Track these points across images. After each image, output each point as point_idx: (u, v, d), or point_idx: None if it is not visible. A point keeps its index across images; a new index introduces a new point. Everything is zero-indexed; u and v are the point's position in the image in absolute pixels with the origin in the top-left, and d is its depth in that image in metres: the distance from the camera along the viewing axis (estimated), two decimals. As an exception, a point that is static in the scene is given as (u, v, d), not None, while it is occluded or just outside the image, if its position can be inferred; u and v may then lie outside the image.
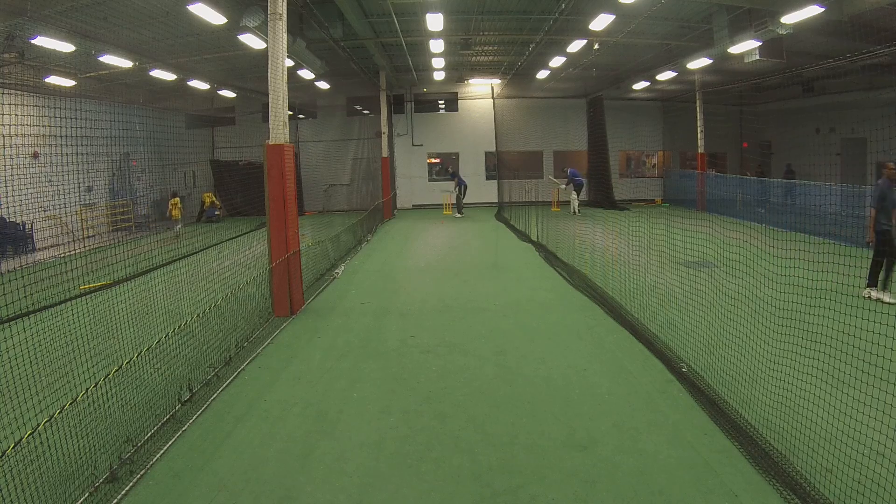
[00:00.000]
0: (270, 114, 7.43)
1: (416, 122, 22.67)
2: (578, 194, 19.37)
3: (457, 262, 11.31)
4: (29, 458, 3.38)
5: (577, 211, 18.89)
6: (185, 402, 4.69)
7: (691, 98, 20.16)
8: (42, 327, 6.17)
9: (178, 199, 15.76)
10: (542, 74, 18.95)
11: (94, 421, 3.86)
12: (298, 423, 4.39)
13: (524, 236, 14.31)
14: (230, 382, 5.25)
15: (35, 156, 11.71)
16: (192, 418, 4.48)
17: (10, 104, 9.60)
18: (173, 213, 15.48)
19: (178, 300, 7.52)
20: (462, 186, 19.46)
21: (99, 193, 15.28)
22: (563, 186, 19.39)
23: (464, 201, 19.88)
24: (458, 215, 19.34)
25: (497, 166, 22.47)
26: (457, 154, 22.89)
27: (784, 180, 17.04)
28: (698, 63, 14.69)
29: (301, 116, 22.45)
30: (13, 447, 3.20)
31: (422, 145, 22.75)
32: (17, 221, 12.46)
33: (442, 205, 21.23)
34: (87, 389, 3.90)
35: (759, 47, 11.95)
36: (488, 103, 22.35)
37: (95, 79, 14.54)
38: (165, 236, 14.25)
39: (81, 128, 5.94)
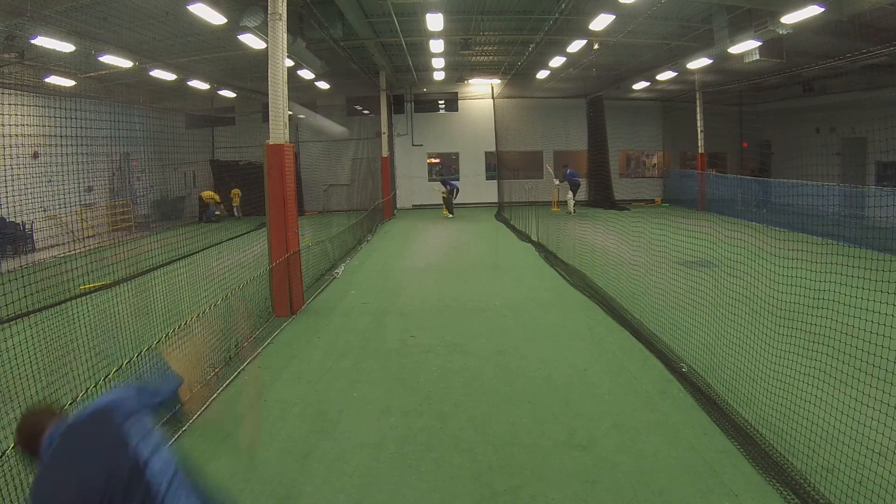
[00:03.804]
0: (270, 114, 7.42)
1: (416, 122, 22.67)
2: (575, 194, 19.39)
3: (457, 262, 11.31)
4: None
5: (573, 211, 18.93)
6: (186, 402, 4.68)
7: (691, 98, 20.16)
8: (42, 327, 6.17)
9: (237, 190, 19.99)
10: (542, 74, 18.94)
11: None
12: (298, 423, 4.39)
13: (524, 236, 14.31)
14: (230, 382, 5.25)
15: (35, 156, 11.71)
16: (192, 418, 4.47)
17: (10, 104, 9.60)
18: (234, 201, 20.18)
19: (177, 300, 7.52)
20: (454, 190, 19.55)
21: (99, 193, 15.28)
22: (556, 182, 19.39)
23: (465, 201, 19.96)
24: (450, 215, 19.33)
25: (497, 166, 22.47)
26: (457, 154, 22.89)
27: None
28: (698, 63, 14.69)
29: (301, 116, 22.43)
30: (13, 447, 3.21)
31: (422, 145, 22.74)
32: (17, 221, 12.45)
33: (442, 205, 21.25)
34: (88, 389, 3.90)
35: (759, 47, 11.94)
36: (488, 103, 22.34)
37: (95, 79, 14.54)
38: (228, 222, 18.56)
39: (81, 128, 5.94)
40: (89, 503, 1.56)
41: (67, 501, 1.56)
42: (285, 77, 7.40)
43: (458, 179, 21.96)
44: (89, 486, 1.57)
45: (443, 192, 19.54)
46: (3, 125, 6.65)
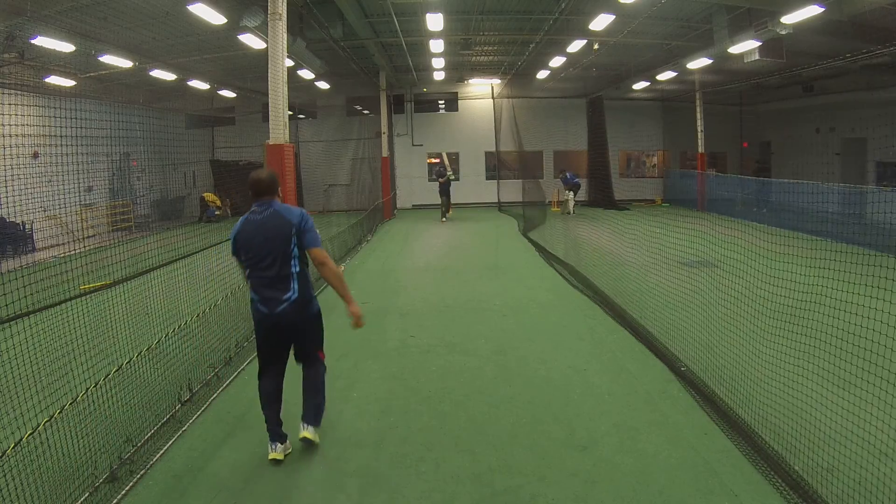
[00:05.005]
0: (270, 114, 7.42)
1: (416, 122, 22.68)
2: (575, 195, 19.40)
3: (457, 262, 11.31)
4: (29, 458, 3.38)
5: (573, 211, 18.94)
6: (185, 402, 4.69)
7: (691, 98, 20.16)
8: (42, 327, 6.16)
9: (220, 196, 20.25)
10: (542, 74, 18.96)
11: (94, 421, 3.86)
12: (299, 423, 4.38)
13: (524, 236, 14.32)
14: (230, 382, 5.25)
15: (35, 156, 11.70)
16: (192, 418, 4.47)
17: (10, 104, 9.59)
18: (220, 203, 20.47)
19: (177, 300, 7.51)
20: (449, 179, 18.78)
21: (99, 193, 15.27)
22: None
23: (465, 201, 19.79)
24: (445, 218, 18.60)
25: (497, 166, 22.48)
26: (457, 154, 22.88)
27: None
28: (698, 63, 14.69)
29: (301, 116, 22.43)
30: (13, 447, 3.21)
31: (422, 145, 22.75)
32: (17, 221, 12.45)
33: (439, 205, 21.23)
34: (87, 389, 3.91)
35: (759, 47, 11.95)
36: (488, 103, 22.35)
37: (95, 79, 14.55)
38: (227, 222, 18.69)
39: (81, 128, 5.92)
40: (284, 231, 3.64)
41: (276, 224, 3.65)
42: (285, 77, 7.39)
43: (458, 179, 21.91)
44: (284, 224, 3.65)
45: (441, 180, 18.58)
46: (3, 125, 6.64)
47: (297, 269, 3.65)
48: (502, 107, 21.31)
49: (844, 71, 15.15)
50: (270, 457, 3.77)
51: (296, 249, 3.64)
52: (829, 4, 9.79)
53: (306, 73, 16.06)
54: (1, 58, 11.38)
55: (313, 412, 3.90)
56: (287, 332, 3.76)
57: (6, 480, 3.00)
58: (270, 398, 3.84)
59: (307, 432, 3.85)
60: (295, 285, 3.64)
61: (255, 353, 6.02)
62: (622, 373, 5.22)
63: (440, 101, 23.05)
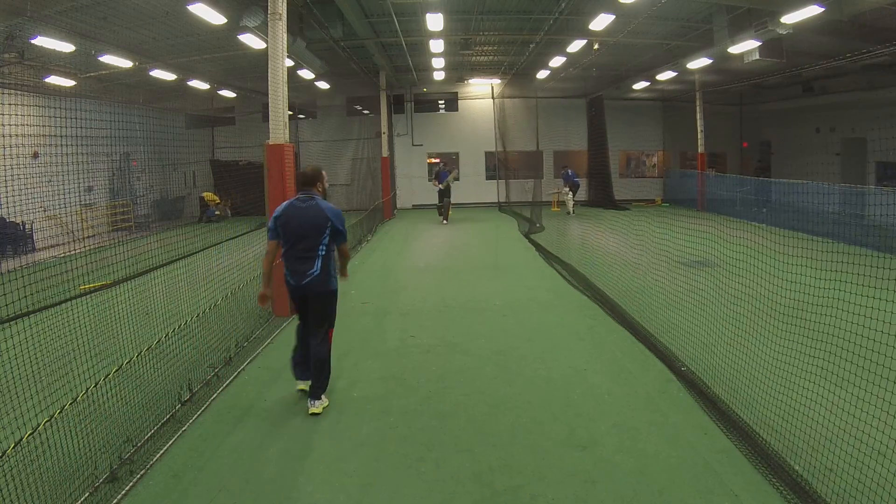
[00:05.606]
0: (270, 114, 7.42)
1: (416, 122, 22.67)
2: (574, 194, 19.39)
3: (457, 262, 11.32)
4: (29, 458, 3.38)
5: (572, 211, 18.93)
6: (185, 402, 4.69)
7: (691, 98, 20.16)
8: (42, 327, 6.16)
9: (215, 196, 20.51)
10: (543, 74, 18.95)
11: (94, 421, 3.86)
12: (298, 423, 4.39)
13: (524, 236, 14.32)
14: (230, 382, 5.25)
15: (35, 156, 11.70)
16: (192, 418, 4.47)
17: (10, 104, 9.59)
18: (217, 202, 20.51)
19: (177, 300, 7.52)
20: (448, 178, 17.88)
21: (99, 193, 15.26)
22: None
23: (465, 201, 19.69)
24: (444, 221, 18.06)
25: (497, 166, 22.48)
26: (457, 154, 22.88)
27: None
28: (698, 63, 14.69)
29: (301, 116, 22.42)
30: (13, 447, 3.21)
31: (422, 145, 22.75)
32: (17, 221, 12.45)
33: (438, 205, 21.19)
34: (87, 389, 3.91)
35: (759, 47, 11.95)
36: (488, 103, 22.34)
37: (95, 79, 14.55)
38: (227, 222, 19.01)
39: (81, 128, 5.92)
40: (320, 223, 4.47)
41: (315, 215, 4.48)
42: (285, 77, 7.39)
43: (458, 179, 21.88)
44: (322, 218, 4.47)
45: (439, 186, 17.77)
46: (3, 125, 6.63)
47: (324, 252, 4.47)
48: (517, 105, 21.33)
49: (844, 71, 15.16)
50: (298, 387, 4.85)
51: (326, 238, 4.47)
52: (829, 4, 9.78)
53: (306, 73, 16.05)
54: (1, 58, 11.38)
55: (318, 390, 4.64)
56: (309, 301, 4.59)
57: (6, 480, 3.00)
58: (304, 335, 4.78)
59: (315, 408, 4.55)
60: (318, 263, 4.46)
61: (256, 353, 6.08)
62: (622, 373, 5.22)
63: (440, 101, 23.05)
